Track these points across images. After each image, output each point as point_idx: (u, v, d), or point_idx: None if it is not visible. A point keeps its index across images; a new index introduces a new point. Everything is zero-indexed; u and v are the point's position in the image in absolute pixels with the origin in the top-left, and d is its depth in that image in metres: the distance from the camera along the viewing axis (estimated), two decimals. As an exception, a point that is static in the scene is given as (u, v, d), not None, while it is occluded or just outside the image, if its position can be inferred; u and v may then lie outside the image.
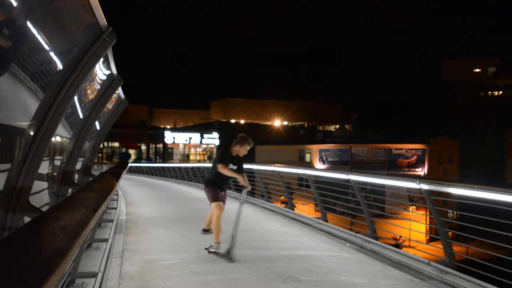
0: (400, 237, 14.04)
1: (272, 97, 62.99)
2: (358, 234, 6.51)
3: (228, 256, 5.18)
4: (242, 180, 5.54)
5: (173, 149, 53.99)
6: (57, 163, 4.12)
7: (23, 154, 2.45)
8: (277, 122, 59.14)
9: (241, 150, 5.76)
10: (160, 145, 52.97)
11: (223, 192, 5.73)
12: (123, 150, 50.22)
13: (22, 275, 1.04)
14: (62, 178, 3.88)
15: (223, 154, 5.75)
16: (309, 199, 11.09)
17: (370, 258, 5.46)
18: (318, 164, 41.83)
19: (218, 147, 52.60)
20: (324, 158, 42.42)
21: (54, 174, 4.04)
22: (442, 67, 58.06)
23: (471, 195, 4.56)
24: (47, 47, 2.69)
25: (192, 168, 20.83)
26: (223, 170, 5.59)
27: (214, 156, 6.41)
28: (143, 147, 52.89)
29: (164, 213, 9.41)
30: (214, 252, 5.40)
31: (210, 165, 6.75)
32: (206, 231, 5.90)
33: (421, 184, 5.18)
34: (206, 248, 5.51)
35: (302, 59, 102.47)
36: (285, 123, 60.82)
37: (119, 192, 13.59)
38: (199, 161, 51.40)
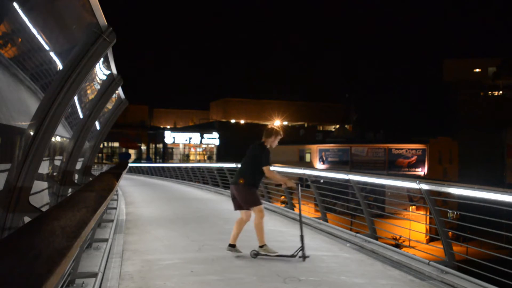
0: (400, 237, 14.03)
1: (272, 97, 63.05)
2: (358, 234, 6.51)
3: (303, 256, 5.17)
4: (289, 182, 5.36)
5: (173, 149, 53.99)
6: (57, 163, 4.13)
7: (23, 154, 2.46)
8: (277, 122, 59.11)
9: (275, 142, 5.45)
10: (160, 145, 52.97)
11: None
12: (123, 150, 50.24)
13: (22, 275, 1.04)
14: (62, 178, 3.88)
15: (268, 153, 5.23)
16: (309, 199, 11.09)
17: (370, 258, 5.46)
18: (318, 164, 41.86)
19: (218, 147, 52.61)
20: (324, 158, 42.46)
21: (54, 174, 4.05)
22: (442, 67, 58.04)
23: (471, 195, 4.56)
24: (47, 47, 2.70)
25: (192, 168, 20.82)
26: (271, 174, 5.25)
27: (252, 153, 5.38)
28: (143, 147, 52.89)
29: (164, 213, 9.40)
30: (265, 255, 5.26)
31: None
32: (233, 246, 5.35)
33: (421, 184, 5.18)
34: (254, 254, 5.26)
35: (302, 59, 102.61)
36: (285, 123, 60.82)
37: (119, 192, 13.59)
38: (199, 161, 51.40)
